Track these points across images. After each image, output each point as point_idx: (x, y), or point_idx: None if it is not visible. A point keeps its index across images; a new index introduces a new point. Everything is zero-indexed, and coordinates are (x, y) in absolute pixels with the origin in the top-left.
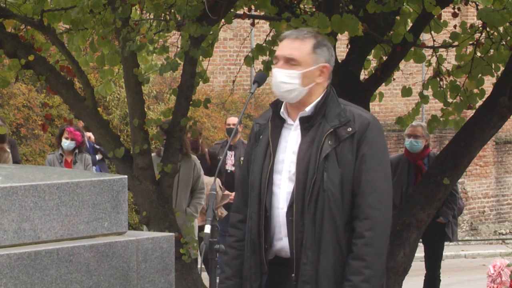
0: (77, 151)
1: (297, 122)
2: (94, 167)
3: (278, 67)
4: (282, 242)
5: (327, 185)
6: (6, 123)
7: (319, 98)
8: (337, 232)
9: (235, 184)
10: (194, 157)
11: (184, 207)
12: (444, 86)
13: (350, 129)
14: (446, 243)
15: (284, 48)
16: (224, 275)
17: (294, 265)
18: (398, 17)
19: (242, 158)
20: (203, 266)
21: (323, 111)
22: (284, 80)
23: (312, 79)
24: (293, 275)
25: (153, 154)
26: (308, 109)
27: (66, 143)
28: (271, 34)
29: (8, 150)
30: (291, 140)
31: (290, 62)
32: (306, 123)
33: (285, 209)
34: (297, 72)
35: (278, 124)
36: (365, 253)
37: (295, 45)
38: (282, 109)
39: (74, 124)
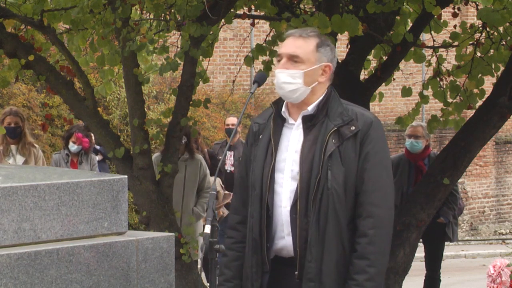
0: (83, 152)
1: (299, 121)
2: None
3: (281, 65)
4: (284, 240)
5: (332, 183)
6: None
7: (321, 97)
8: (340, 231)
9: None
10: (200, 156)
11: (191, 207)
12: (444, 86)
13: (354, 127)
14: (446, 243)
15: (288, 46)
16: (224, 277)
17: (297, 263)
18: (398, 17)
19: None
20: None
21: (326, 110)
22: (287, 80)
23: (314, 78)
24: (296, 273)
25: (158, 154)
26: (311, 108)
27: (74, 147)
28: (271, 34)
29: (37, 146)
30: (293, 139)
31: (294, 59)
32: (309, 122)
33: (288, 208)
34: (300, 72)
35: (279, 123)
36: (368, 252)
37: (299, 43)
38: (283, 109)
39: (81, 126)
